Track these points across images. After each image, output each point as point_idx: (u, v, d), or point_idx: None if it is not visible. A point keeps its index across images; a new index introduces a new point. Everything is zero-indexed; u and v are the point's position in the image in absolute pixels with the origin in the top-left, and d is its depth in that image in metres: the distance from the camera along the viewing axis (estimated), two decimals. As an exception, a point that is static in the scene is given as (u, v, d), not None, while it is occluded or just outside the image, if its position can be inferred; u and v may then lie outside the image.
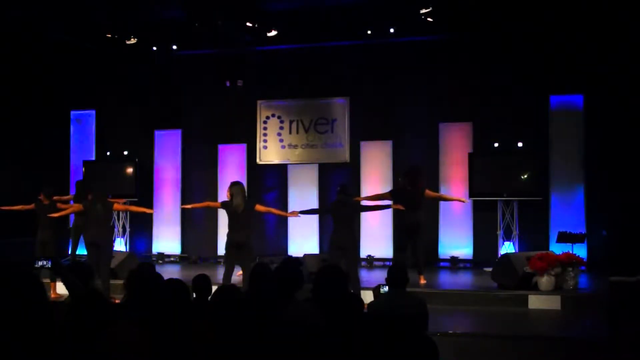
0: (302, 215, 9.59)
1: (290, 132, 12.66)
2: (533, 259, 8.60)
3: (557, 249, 9.87)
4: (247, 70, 12.25)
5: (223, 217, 12.71)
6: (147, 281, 4.24)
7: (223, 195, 12.75)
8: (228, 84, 12.18)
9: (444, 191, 11.43)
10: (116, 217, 12.79)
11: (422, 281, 9.48)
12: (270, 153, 12.74)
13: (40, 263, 11.13)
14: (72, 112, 13.47)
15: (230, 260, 8.63)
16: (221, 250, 12.51)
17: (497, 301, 8.48)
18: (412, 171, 9.72)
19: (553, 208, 11.21)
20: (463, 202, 10.52)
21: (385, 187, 11.85)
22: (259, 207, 8.96)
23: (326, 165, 12.47)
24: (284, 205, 12.41)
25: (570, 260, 8.64)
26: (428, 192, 9.67)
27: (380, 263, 11.66)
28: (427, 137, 11.88)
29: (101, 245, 8.72)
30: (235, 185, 8.81)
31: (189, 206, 9.96)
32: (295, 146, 12.64)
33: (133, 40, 11.55)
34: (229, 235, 8.54)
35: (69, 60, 12.93)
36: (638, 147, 10.71)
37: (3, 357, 2.08)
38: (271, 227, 12.63)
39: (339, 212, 8.69)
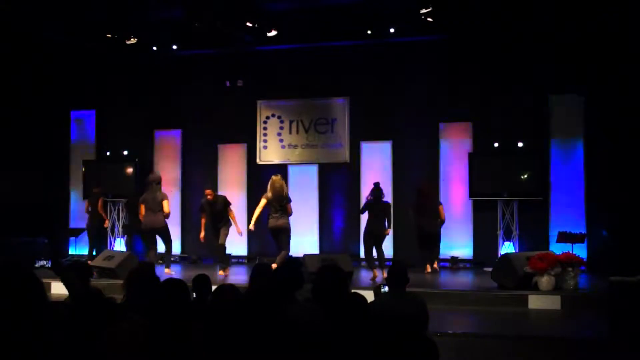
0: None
1: (290, 132, 12.66)
2: (533, 259, 8.59)
3: (557, 249, 9.88)
4: (247, 70, 12.26)
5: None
6: (147, 281, 4.24)
7: (223, 194, 12.79)
8: (228, 84, 12.20)
9: (443, 192, 11.42)
10: (116, 217, 12.81)
11: (429, 270, 10.45)
12: (270, 153, 12.74)
13: (40, 263, 11.31)
14: (72, 112, 13.47)
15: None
16: (221, 250, 12.60)
17: (497, 301, 8.47)
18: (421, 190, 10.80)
19: (553, 208, 11.21)
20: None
21: (384, 187, 11.84)
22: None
23: (326, 165, 12.47)
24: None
25: (570, 260, 8.63)
26: (440, 208, 10.82)
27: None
28: (427, 137, 11.88)
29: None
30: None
31: (253, 221, 10.26)
32: (295, 146, 12.64)
33: (133, 40, 11.56)
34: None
35: (69, 60, 12.93)
36: (638, 147, 10.70)
37: (3, 357, 2.08)
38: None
39: (375, 208, 10.26)
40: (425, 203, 10.65)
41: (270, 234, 10.11)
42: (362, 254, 12.00)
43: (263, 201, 10.05)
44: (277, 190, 9.91)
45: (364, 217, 12.04)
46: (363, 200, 12.06)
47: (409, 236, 11.34)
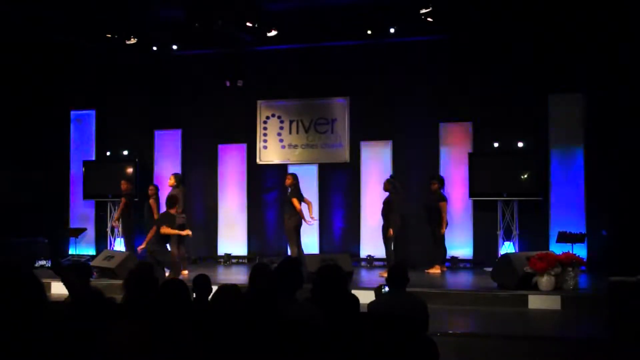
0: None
1: (290, 132, 12.65)
2: (533, 259, 8.59)
3: (557, 249, 9.87)
4: (247, 70, 12.25)
5: (223, 217, 12.74)
6: (146, 281, 4.24)
7: (223, 194, 12.81)
8: (228, 84, 12.18)
9: (444, 192, 11.40)
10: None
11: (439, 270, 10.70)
12: (270, 153, 12.74)
13: (40, 263, 11.30)
14: (72, 112, 13.47)
15: None
16: (221, 250, 12.59)
17: (497, 301, 8.48)
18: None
19: (553, 208, 11.20)
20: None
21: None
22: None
23: (326, 165, 12.46)
24: (282, 205, 12.42)
25: (570, 260, 8.63)
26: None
27: (381, 263, 11.65)
28: (427, 137, 11.87)
29: None
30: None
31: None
32: (295, 146, 12.64)
33: (133, 40, 11.56)
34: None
35: (69, 60, 12.93)
36: (638, 147, 10.70)
37: (3, 357, 2.08)
38: (271, 227, 12.63)
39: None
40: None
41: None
42: (362, 254, 12.05)
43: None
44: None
45: (364, 217, 12.08)
46: (364, 200, 12.08)
47: (409, 236, 11.37)
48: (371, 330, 3.38)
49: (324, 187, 12.40)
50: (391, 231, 10.25)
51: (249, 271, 4.68)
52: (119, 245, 12.50)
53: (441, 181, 11.11)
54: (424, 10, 10.13)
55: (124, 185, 12.01)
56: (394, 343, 3.26)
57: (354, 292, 4.89)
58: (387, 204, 10.49)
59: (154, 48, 12.15)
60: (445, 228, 10.87)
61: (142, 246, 9.57)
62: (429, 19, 10.25)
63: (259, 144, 12.78)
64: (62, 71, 13.10)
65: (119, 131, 13.21)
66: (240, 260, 12.59)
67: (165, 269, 10.05)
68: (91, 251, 12.90)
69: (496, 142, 11.42)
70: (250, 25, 10.76)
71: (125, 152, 13.07)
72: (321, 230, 12.29)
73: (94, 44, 12.06)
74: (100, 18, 11.14)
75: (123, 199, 11.94)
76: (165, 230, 8.97)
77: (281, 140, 12.69)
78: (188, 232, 9.54)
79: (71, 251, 12.97)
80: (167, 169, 12.91)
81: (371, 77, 12.21)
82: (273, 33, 11.07)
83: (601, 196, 10.91)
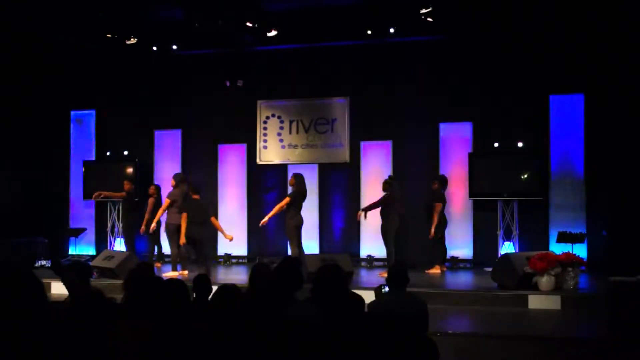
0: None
1: (290, 132, 12.66)
2: (533, 259, 8.59)
3: (557, 249, 9.88)
4: (247, 70, 12.25)
5: (222, 217, 12.73)
6: (146, 281, 4.24)
7: (223, 195, 12.81)
8: (228, 84, 12.18)
9: (446, 192, 11.37)
10: (116, 217, 12.81)
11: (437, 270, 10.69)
12: (270, 153, 12.74)
13: (40, 263, 11.32)
14: (72, 112, 13.47)
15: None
16: (221, 250, 12.59)
17: (497, 301, 8.48)
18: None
19: (553, 208, 11.21)
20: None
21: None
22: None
23: (326, 165, 12.46)
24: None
25: (570, 260, 8.64)
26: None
27: (381, 263, 11.66)
28: (427, 137, 11.87)
29: None
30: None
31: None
32: (295, 146, 12.64)
33: (133, 40, 11.56)
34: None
35: (69, 60, 12.93)
36: (638, 147, 10.70)
37: (4, 357, 2.08)
38: (271, 227, 12.61)
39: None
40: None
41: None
42: (362, 254, 12.05)
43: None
44: None
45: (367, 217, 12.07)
46: (364, 200, 12.07)
47: (409, 236, 11.36)
48: (371, 330, 3.38)
49: (324, 187, 12.40)
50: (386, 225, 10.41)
51: (249, 271, 4.68)
52: (119, 245, 12.51)
53: (443, 181, 11.10)
54: (424, 10, 10.13)
55: (126, 185, 12.08)
56: (394, 343, 3.26)
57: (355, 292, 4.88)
58: (383, 203, 10.51)
59: (154, 48, 12.15)
60: (443, 229, 10.85)
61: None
62: (429, 19, 10.25)
63: (259, 144, 12.78)
64: (62, 71, 13.10)
65: (119, 131, 13.21)
66: (240, 260, 12.59)
67: (178, 267, 10.18)
68: (91, 251, 12.90)
69: (496, 142, 11.43)
70: (251, 25, 10.76)
71: (125, 152, 13.07)
72: (321, 230, 12.29)
73: (94, 44, 12.06)
74: (100, 18, 11.13)
75: (124, 194, 12.00)
76: (215, 221, 10.15)
77: (281, 140, 12.69)
78: (230, 236, 10.27)
79: (71, 251, 12.98)
80: (167, 169, 12.91)
81: (371, 77, 12.21)
82: (273, 33, 11.06)
83: (601, 196, 10.91)
